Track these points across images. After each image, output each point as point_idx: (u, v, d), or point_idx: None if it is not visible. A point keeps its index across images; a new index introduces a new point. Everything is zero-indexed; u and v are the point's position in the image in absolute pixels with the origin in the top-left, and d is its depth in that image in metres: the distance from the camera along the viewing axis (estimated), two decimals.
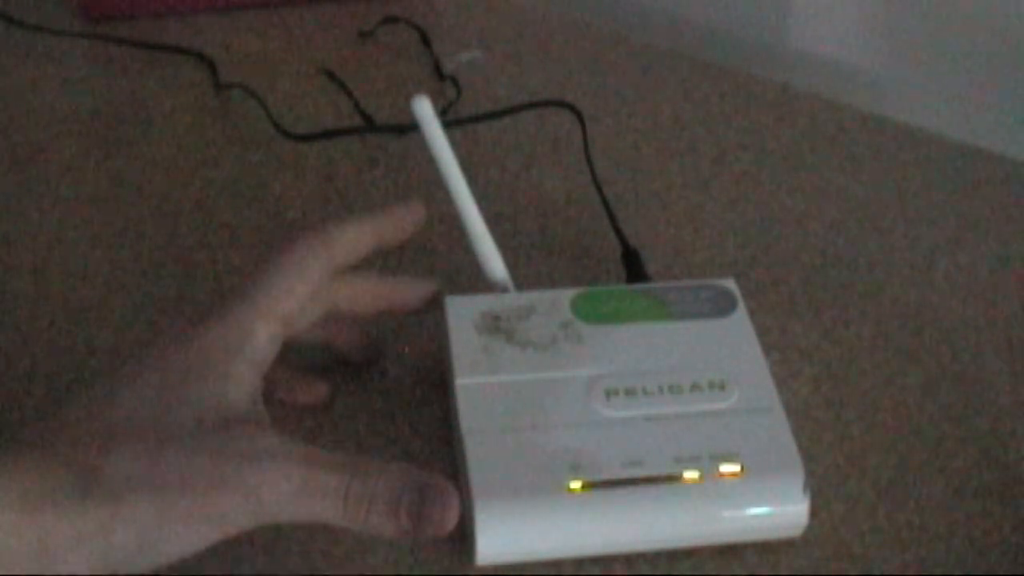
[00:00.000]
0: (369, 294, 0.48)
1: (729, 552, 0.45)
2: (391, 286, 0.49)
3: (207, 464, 0.39)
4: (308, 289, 0.44)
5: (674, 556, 0.45)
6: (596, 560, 0.45)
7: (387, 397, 0.51)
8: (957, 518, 0.47)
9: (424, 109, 0.49)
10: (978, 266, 0.59)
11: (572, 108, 0.61)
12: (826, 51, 0.79)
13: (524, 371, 0.47)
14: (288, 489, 0.39)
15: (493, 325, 0.48)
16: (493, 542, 0.43)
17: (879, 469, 0.49)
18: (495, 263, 0.50)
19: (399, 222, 0.48)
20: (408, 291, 0.49)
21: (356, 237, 0.46)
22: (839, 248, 0.59)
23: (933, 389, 0.52)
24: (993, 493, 0.48)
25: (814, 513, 0.45)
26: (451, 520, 0.41)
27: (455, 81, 0.68)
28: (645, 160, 0.64)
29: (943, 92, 0.77)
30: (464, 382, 0.46)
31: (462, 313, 0.49)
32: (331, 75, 0.68)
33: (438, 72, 0.69)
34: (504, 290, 0.50)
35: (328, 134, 0.63)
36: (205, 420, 0.40)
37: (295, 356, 0.48)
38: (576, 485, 0.43)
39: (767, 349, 0.49)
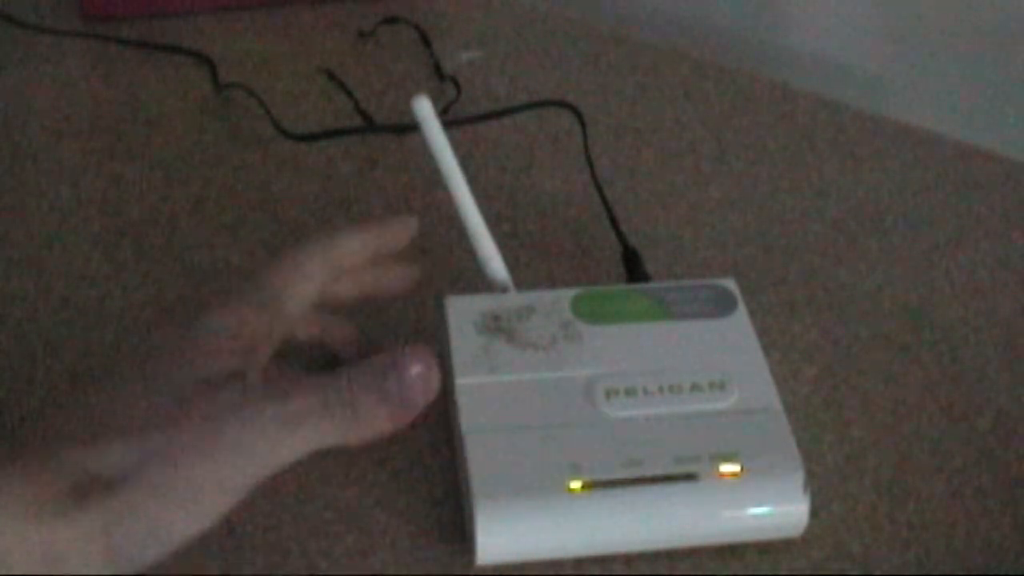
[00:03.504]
0: (350, 279, 0.48)
1: (729, 552, 0.45)
2: (372, 271, 0.49)
3: (190, 437, 0.38)
4: (308, 290, 0.45)
5: (674, 556, 0.45)
6: (596, 560, 0.45)
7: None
8: (957, 518, 0.47)
9: (424, 109, 0.49)
10: (978, 266, 0.59)
11: (572, 108, 0.61)
12: (826, 51, 0.79)
13: (524, 371, 0.47)
14: (270, 431, 0.39)
15: (493, 325, 0.48)
16: (493, 542, 0.43)
17: (879, 469, 0.49)
18: (495, 263, 0.50)
19: (395, 232, 0.49)
20: (390, 275, 0.50)
21: (356, 243, 0.47)
22: (839, 248, 0.59)
23: (933, 389, 0.52)
24: (993, 493, 0.48)
25: (814, 513, 0.45)
26: (435, 376, 0.40)
27: (455, 81, 0.68)
28: (645, 160, 0.64)
29: (943, 92, 0.77)
30: (464, 382, 0.46)
31: (462, 313, 0.49)
32: (331, 75, 0.68)
33: (438, 72, 0.69)
34: (504, 290, 0.50)
35: (328, 134, 0.63)
36: (184, 394, 0.40)
37: (293, 358, 0.48)
38: (576, 485, 0.43)
39: (767, 349, 0.49)
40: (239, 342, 0.42)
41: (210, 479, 0.38)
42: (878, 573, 0.45)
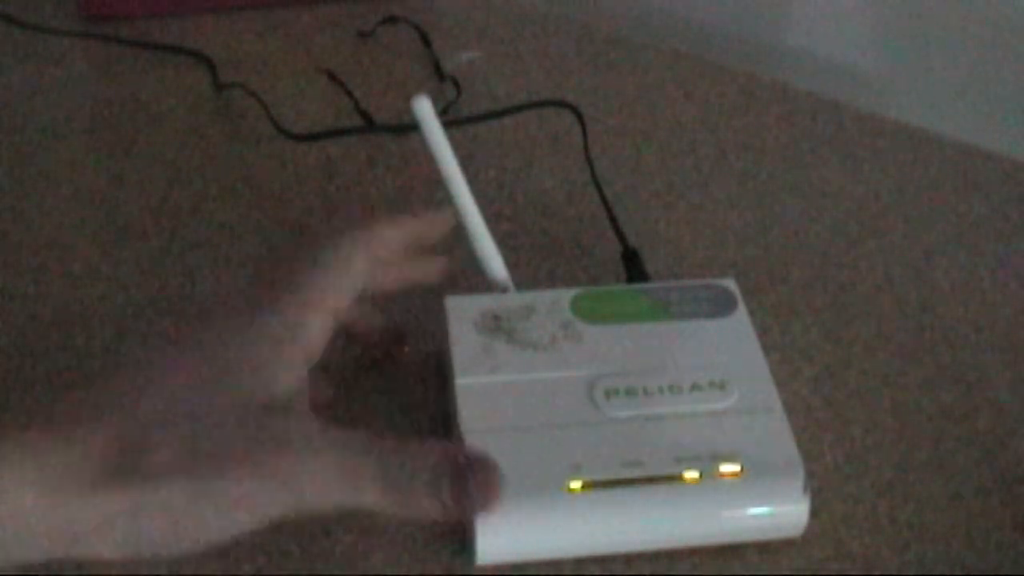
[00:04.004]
0: (389, 269, 0.48)
1: (729, 552, 0.45)
2: (410, 261, 0.49)
3: (243, 451, 0.38)
4: (355, 284, 0.45)
5: (674, 556, 0.45)
6: (596, 560, 0.45)
7: (388, 397, 0.51)
8: (957, 518, 0.47)
9: (424, 109, 0.49)
10: (978, 266, 0.59)
11: (572, 108, 0.61)
12: (826, 51, 0.79)
13: (524, 371, 0.47)
14: (324, 477, 0.39)
15: (493, 325, 0.48)
16: (493, 542, 0.43)
17: (879, 469, 0.49)
18: (495, 263, 0.50)
19: (432, 225, 0.49)
20: (426, 266, 0.50)
21: (396, 234, 0.47)
22: (839, 248, 0.59)
23: (933, 389, 0.52)
24: (993, 493, 0.48)
25: (814, 513, 0.45)
26: (495, 496, 0.40)
27: (455, 81, 0.68)
28: (645, 160, 0.64)
29: (943, 92, 0.77)
30: (464, 382, 0.46)
31: (462, 313, 0.49)
32: (331, 75, 0.68)
33: (438, 72, 0.69)
34: (504, 290, 0.50)
35: (328, 134, 0.63)
36: (248, 407, 0.39)
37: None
38: (576, 485, 0.43)
39: (767, 349, 0.49)
40: (295, 346, 0.42)
41: (249, 500, 0.38)
42: (878, 573, 0.45)
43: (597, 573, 0.45)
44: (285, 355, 0.41)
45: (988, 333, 0.55)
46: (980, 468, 0.49)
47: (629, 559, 0.45)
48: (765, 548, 0.45)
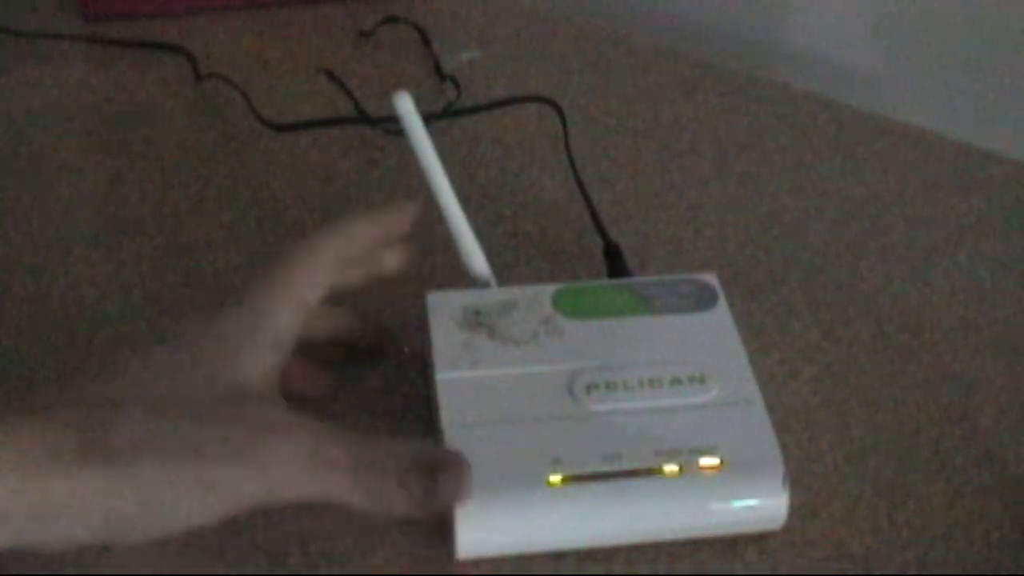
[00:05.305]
0: (354, 266, 0.49)
1: (729, 552, 0.45)
2: (370, 255, 0.50)
3: (215, 433, 0.39)
4: (324, 277, 0.45)
5: (675, 556, 0.45)
6: (597, 560, 0.45)
7: (387, 397, 0.51)
8: (957, 518, 0.47)
9: (405, 105, 0.49)
10: (978, 266, 0.59)
11: (553, 104, 0.61)
12: (826, 51, 0.79)
13: (505, 366, 0.47)
14: (296, 462, 0.39)
15: (474, 320, 0.48)
16: (473, 536, 0.43)
17: (879, 469, 0.49)
18: (477, 259, 0.50)
19: (397, 219, 0.49)
20: (386, 257, 0.50)
21: (364, 232, 0.48)
22: (839, 248, 0.59)
23: (933, 389, 0.52)
24: (993, 493, 0.48)
25: (815, 513, 0.45)
26: (465, 491, 0.41)
27: (455, 81, 0.68)
28: (645, 160, 0.64)
29: (943, 92, 0.77)
30: (445, 377, 0.47)
31: (444, 308, 0.49)
32: (331, 75, 0.68)
33: (438, 72, 0.69)
34: (486, 285, 0.50)
35: (313, 123, 0.63)
36: (217, 392, 0.41)
37: (296, 351, 0.48)
38: (556, 479, 0.43)
39: (767, 349, 0.49)
40: (263, 336, 0.43)
41: (220, 482, 0.38)
42: (878, 573, 0.45)
43: (598, 573, 0.45)
44: (250, 340, 0.42)
45: (988, 333, 0.55)
46: (980, 468, 0.49)
47: (630, 559, 0.45)
48: (765, 548, 0.46)
